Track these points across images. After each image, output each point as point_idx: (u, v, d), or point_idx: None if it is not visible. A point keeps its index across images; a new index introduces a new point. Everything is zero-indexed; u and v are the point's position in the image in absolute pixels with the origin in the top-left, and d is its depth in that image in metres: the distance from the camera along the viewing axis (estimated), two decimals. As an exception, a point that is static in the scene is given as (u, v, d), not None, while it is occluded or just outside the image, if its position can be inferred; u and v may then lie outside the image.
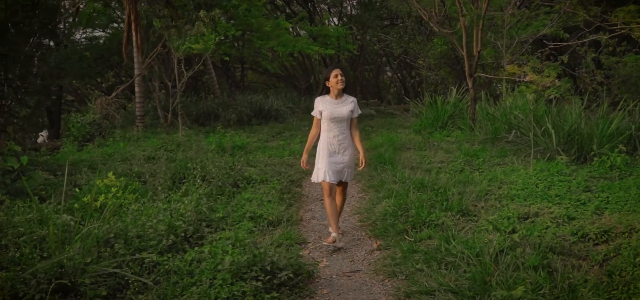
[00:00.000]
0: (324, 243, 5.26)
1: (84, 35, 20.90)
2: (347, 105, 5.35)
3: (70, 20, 13.48)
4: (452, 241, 4.67)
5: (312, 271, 4.54)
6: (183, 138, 11.63)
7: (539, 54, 14.16)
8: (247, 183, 7.51)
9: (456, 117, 12.99)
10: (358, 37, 26.29)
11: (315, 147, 5.45)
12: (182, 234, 5.03)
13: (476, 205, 6.11)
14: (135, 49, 14.10)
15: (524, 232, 4.81)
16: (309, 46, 16.32)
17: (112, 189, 4.60)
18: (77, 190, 5.36)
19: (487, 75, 14.54)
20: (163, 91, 16.71)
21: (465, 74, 12.34)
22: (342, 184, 5.51)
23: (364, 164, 5.51)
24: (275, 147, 11.59)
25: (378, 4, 23.61)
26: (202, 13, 11.60)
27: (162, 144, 10.86)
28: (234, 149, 10.67)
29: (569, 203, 5.68)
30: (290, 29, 21.86)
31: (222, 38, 14.29)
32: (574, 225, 4.98)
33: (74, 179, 7.10)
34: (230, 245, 4.65)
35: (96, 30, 20.52)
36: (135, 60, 14.23)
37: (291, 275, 4.20)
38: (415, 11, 14.29)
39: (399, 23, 22.30)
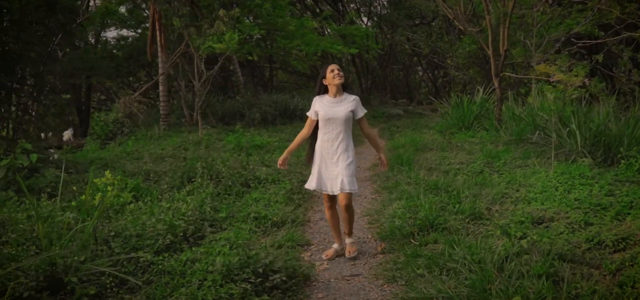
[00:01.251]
0: (323, 257, 4.95)
1: (113, 35, 21.29)
2: (345, 105, 4.67)
3: (96, 19, 13.53)
4: (457, 246, 4.45)
5: (308, 274, 4.38)
6: (203, 137, 11.62)
7: (567, 52, 13.67)
8: (258, 183, 7.40)
9: (482, 117, 12.67)
10: (387, 36, 26.04)
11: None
12: (181, 234, 4.94)
13: (490, 209, 5.85)
14: (159, 49, 14.22)
15: (535, 237, 4.56)
16: (333, 45, 16.16)
17: (108, 187, 4.54)
18: (74, 187, 5.34)
19: (515, 75, 14.11)
20: (191, 91, 16.83)
21: (492, 73, 12.00)
22: (342, 195, 4.66)
23: (385, 165, 4.96)
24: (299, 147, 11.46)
25: (408, 3, 23.31)
26: (221, 12, 11.57)
27: (181, 143, 10.87)
28: (252, 149, 10.60)
29: (588, 207, 5.38)
30: (318, 28, 21.77)
31: (246, 37, 14.24)
32: (590, 231, 4.70)
33: (85, 176, 7.12)
34: (227, 246, 4.55)
35: (125, 31, 20.82)
36: (160, 59, 14.34)
37: (285, 278, 4.06)
38: (443, 10, 13.98)
39: (427, 22, 21.97)
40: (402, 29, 23.76)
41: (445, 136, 10.59)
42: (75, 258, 4.15)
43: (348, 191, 4.63)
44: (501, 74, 11.84)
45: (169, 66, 14.13)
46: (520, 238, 4.59)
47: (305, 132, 4.92)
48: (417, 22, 25.31)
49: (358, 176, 8.82)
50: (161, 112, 14.64)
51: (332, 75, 4.71)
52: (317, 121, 4.78)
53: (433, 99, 16.97)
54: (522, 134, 9.66)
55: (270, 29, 16.44)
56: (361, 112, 4.78)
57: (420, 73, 31.69)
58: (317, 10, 24.06)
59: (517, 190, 6.40)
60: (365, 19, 27.50)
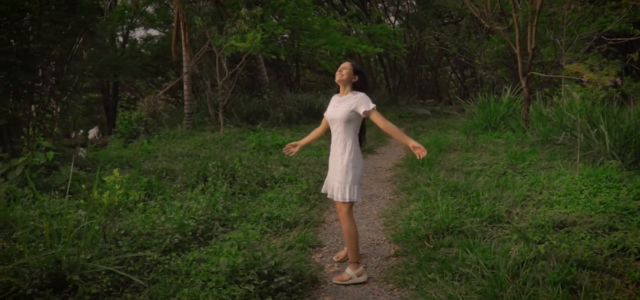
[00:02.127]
0: (334, 259, 4.82)
1: (141, 35, 21.55)
2: (346, 104, 4.29)
3: (114, 18, 13.64)
4: (471, 251, 4.28)
5: (316, 277, 4.27)
6: (224, 136, 11.61)
7: (597, 51, 13.24)
8: (274, 182, 7.32)
9: (509, 117, 12.38)
10: (415, 35, 25.75)
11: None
12: (190, 233, 4.88)
13: (511, 212, 5.66)
14: (183, 48, 14.28)
15: (554, 242, 4.36)
16: (357, 44, 16.00)
17: (116, 185, 4.50)
18: (82, 186, 5.33)
19: (544, 75, 13.74)
20: (216, 90, 16.87)
21: (519, 73, 11.69)
22: (337, 204, 4.38)
23: (421, 149, 4.07)
24: (317, 146, 11.36)
25: (436, 2, 22.99)
26: (243, 11, 11.54)
27: (202, 142, 10.87)
28: (273, 148, 10.54)
29: (614, 212, 5.13)
30: (345, 27, 21.61)
31: (269, 36, 14.20)
32: (614, 237, 4.47)
33: (102, 174, 7.13)
34: (235, 247, 4.47)
35: (153, 30, 21.05)
36: (184, 58, 14.40)
37: (290, 280, 3.95)
38: (470, 8, 13.68)
39: (455, 21, 21.62)
40: (430, 28, 23.43)
41: (469, 137, 10.31)
42: (82, 256, 4.13)
43: (338, 200, 4.34)
44: (529, 74, 11.53)
45: (193, 65, 14.18)
46: (539, 243, 4.39)
47: (318, 130, 4.82)
48: (445, 21, 24.95)
49: (377, 177, 8.76)
50: (185, 111, 14.69)
51: (337, 73, 4.48)
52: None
53: (459, 99, 16.65)
54: (549, 135, 9.37)
55: (295, 28, 16.39)
56: (365, 107, 4.24)
57: (449, 73, 31.25)
58: (345, 9, 23.89)
59: (540, 193, 6.18)
60: (392, 18, 27.27)
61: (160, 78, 24.86)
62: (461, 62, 22.86)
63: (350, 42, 15.92)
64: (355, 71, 4.40)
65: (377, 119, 4.30)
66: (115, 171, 4.46)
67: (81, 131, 17.44)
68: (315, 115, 16.92)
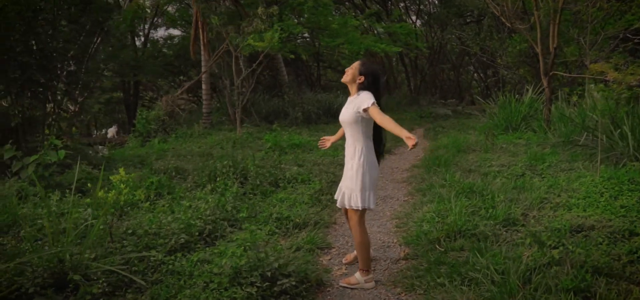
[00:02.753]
0: (343, 261, 4.70)
1: (163, 35, 21.73)
2: (352, 105, 4.08)
3: (128, 18, 13.67)
4: (480, 255, 4.13)
5: (322, 279, 4.17)
6: (241, 135, 11.58)
7: (622, 50, 12.88)
8: (287, 182, 7.24)
9: (531, 118, 12.12)
10: (436, 34, 25.48)
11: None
12: (197, 233, 4.83)
13: (527, 215, 5.49)
14: (202, 47, 14.32)
15: (570, 247, 4.19)
16: (375, 44, 15.85)
17: (121, 185, 4.47)
18: (88, 184, 5.31)
19: (568, 74, 13.42)
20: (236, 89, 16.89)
21: (541, 72, 11.43)
22: (348, 210, 4.24)
23: (412, 138, 3.59)
24: (334, 146, 11.27)
25: (458, 1, 22.69)
26: (260, 10, 11.49)
27: (218, 141, 10.86)
28: (289, 148, 10.48)
29: (636, 216, 4.94)
30: (366, 26, 21.45)
31: (288, 35, 14.14)
32: (635, 242, 4.28)
33: (115, 173, 7.15)
34: (241, 248, 4.40)
35: (175, 30, 21.20)
36: (202, 58, 14.44)
37: (295, 282, 3.86)
38: (491, 7, 13.42)
39: (477, 19, 21.29)
40: (452, 27, 23.14)
41: (488, 137, 10.11)
42: (86, 255, 4.10)
43: (345, 207, 4.19)
44: (551, 73, 11.27)
45: (211, 65, 14.20)
46: (553, 247, 4.23)
47: (340, 130, 4.58)
48: (467, 20, 24.62)
49: (393, 178, 8.63)
50: (203, 111, 14.74)
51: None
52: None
53: (479, 99, 16.38)
54: (570, 136, 9.12)
55: (314, 28, 16.31)
56: (364, 104, 3.94)
57: (472, 72, 30.84)
58: (366, 8, 23.73)
59: (558, 196, 6.00)
60: (414, 17, 27.02)
61: (181, 77, 25.06)
62: (483, 61, 22.52)
63: (368, 41, 15.78)
64: (363, 72, 4.13)
65: (375, 115, 3.92)
66: (121, 170, 4.42)
67: (103, 130, 17.61)
68: (334, 115, 16.82)
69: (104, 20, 8.12)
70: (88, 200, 5.13)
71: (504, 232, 4.93)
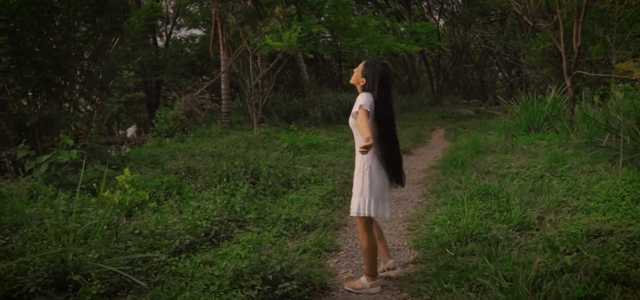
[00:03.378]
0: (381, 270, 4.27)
1: (185, 34, 21.87)
2: (354, 108, 3.91)
3: (142, 18, 13.73)
4: (490, 261, 3.99)
5: (325, 282, 4.08)
6: (258, 135, 11.55)
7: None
8: (299, 183, 7.16)
9: (554, 118, 11.85)
10: (459, 33, 25.15)
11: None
12: (203, 234, 4.78)
13: (543, 218, 5.32)
14: (221, 47, 14.34)
15: (585, 253, 4.02)
16: (395, 43, 15.66)
17: (125, 185, 4.44)
18: (94, 184, 5.30)
19: (594, 74, 13.09)
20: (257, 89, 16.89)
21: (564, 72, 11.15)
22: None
23: (364, 147, 3.48)
24: (351, 146, 11.18)
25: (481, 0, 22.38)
26: (277, 9, 11.44)
27: (235, 141, 10.84)
28: (306, 148, 10.40)
29: (658, 221, 4.74)
30: (387, 25, 21.25)
31: (307, 35, 14.07)
32: (654, 248, 4.10)
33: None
34: (245, 249, 4.33)
35: (197, 30, 21.32)
36: (221, 58, 14.46)
37: (296, 286, 3.77)
38: (513, 5, 13.14)
39: (500, 18, 20.93)
40: (475, 26, 22.80)
41: (507, 138, 9.90)
42: (90, 255, 4.08)
43: (350, 212, 4.02)
44: (575, 73, 10.99)
45: (230, 64, 14.21)
46: (567, 253, 4.06)
47: None
48: (492, 19, 24.24)
49: (409, 179, 8.47)
50: (223, 110, 14.76)
51: None
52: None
53: (501, 99, 16.08)
54: (594, 137, 8.87)
55: (333, 27, 16.21)
56: (355, 107, 3.83)
57: (496, 72, 30.36)
58: (389, 8, 23.53)
59: (577, 199, 5.81)
60: (437, 17, 26.73)
61: (204, 77, 25.21)
62: (507, 61, 22.14)
63: (388, 40, 15.62)
64: (364, 74, 3.95)
65: (359, 118, 3.75)
66: (126, 170, 4.39)
67: (123, 130, 17.83)
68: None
69: (120, 21, 8.15)
70: (93, 200, 5.12)
71: (518, 236, 4.77)
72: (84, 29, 8.04)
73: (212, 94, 20.26)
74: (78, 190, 4.39)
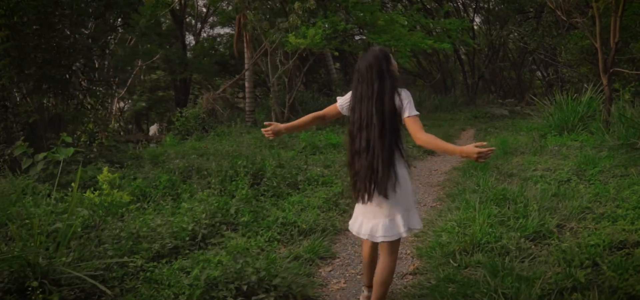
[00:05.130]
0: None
1: (211, 33, 21.81)
2: None
3: (147, 12, 13.55)
4: (489, 276, 3.56)
5: (308, 294, 3.72)
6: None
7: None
8: (307, 184, 6.80)
9: (589, 118, 11.14)
10: (496, 31, 24.34)
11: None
12: (187, 238, 4.48)
13: (563, 226, 4.83)
14: (245, 45, 14.14)
15: (605, 267, 3.55)
16: (423, 40, 15.12)
17: (103, 185, 4.18)
18: (72, 184, 5.07)
19: (635, 72, 12.30)
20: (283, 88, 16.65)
21: (600, 69, 10.46)
22: None
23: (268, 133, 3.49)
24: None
25: (518, -4, 21.56)
26: (296, 5, 11.10)
27: (252, 140, 10.58)
28: (325, 147, 10.06)
29: (693, 232, 4.20)
30: (421, 23, 20.67)
31: (332, 32, 13.70)
32: (686, 264, 3.59)
33: (132, 172, 6.97)
34: (229, 256, 4.01)
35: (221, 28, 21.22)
36: (245, 55, 14.25)
37: (274, 297, 3.44)
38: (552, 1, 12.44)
39: (537, 15, 20.10)
40: (511, 23, 21.99)
41: (535, 139, 9.33)
42: (63, 259, 3.84)
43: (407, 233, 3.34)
44: (612, 70, 10.29)
45: (253, 62, 13.97)
46: (583, 267, 3.59)
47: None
48: (529, 16, 23.34)
49: (429, 181, 8.04)
50: (246, 109, 14.54)
51: None
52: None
53: (534, 99, 15.35)
54: (630, 138, 8.24)
55: (359, 24, 15.80)
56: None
57: (534, 70, 29.28)
58: (417, 4, 22.95)
59: (604, 205, 5.28)
60: (472, 14, 25.93)
61: (236, 75, 25.15)
62: (543, 59, 21.27)
63: (416, 38, 15.09)
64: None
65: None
66: (105, 169, 4.13)
67: (150, 128, 17.85)
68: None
69: (126, 16, 7.96)
70: (68, 199, 4.89)
71: (532, 247, 4.31)
72: (90, 24, 7.88)
73: (240, 92, 20.15)
74: (76, 189, 4.13)
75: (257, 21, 11.90)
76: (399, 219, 3.09)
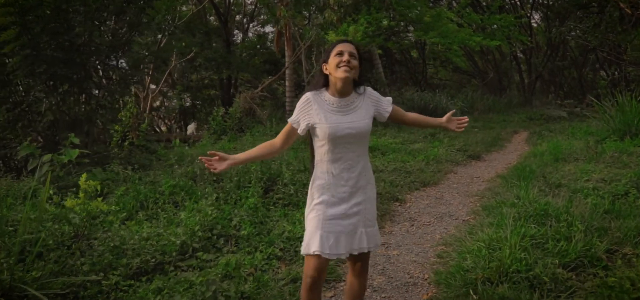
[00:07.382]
0: None
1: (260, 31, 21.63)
2: (364, 110, 2.78)
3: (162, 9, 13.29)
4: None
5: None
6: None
7: None
8: (328, 193, 6.23)
9: (656, 123, 10.06)
10: (556, 28, 22.97)
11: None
12: (174, 253, 4.02)
13: (615, 252, 4.08)
14: (286, 42, 13.76)
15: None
16: (470, 37, 14.25)
17: (80, 193, 3.78)
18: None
19: None
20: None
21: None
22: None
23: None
24: (415, 150, 10.10)
25: (579, -9, 20.20)
26: (332, 0, 10.57)
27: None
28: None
29: None
30: (462, 18, 19.74)
31: (375, 29, 13.09)
32: None
33: (142, 174, 6.63)
34: (217, 275, 3.54)
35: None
36: (286, 53, 13.86)
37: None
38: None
39: (600, 10, 18.73)
40: (572, 19, 20.63)
41: (590, 144, 8.43)
42: (33, 273, 3.47)
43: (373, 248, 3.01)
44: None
45: (294, 60, 13.54)
46: (631, 311, 2.90)
47: (273, 143, 2.96)
48: (593, 11, 21.87)
49: (467, 190, 7.33)
50: (286, 108, 14.14)
51: (338, 61, 2.69)
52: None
53: (592, 99, 14.19)
54: (702, 146, 7.26)
55: (404, 21, 15.09)
56: (389, 108, 2.91)
57: (597, 70, 27.53)
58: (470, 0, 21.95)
59: (667, 226, 4.47)
60: (531, 10, 24.63)
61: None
62: (606, 57, 19.85)
63: (463, 34, 14.24)
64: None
65: (399, 113, 2.97)
66: (83, 175, 3.73)
67: (188, 127, 17.79)
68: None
69: (140, 11, 7.65)
70: (52, 207, 4.53)
71: (572, 277, 3.61)
72: (108, 23, 7.61)
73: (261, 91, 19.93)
74: (44, 198, 3.77)
75: (290, 17, 11.44)
76: None
